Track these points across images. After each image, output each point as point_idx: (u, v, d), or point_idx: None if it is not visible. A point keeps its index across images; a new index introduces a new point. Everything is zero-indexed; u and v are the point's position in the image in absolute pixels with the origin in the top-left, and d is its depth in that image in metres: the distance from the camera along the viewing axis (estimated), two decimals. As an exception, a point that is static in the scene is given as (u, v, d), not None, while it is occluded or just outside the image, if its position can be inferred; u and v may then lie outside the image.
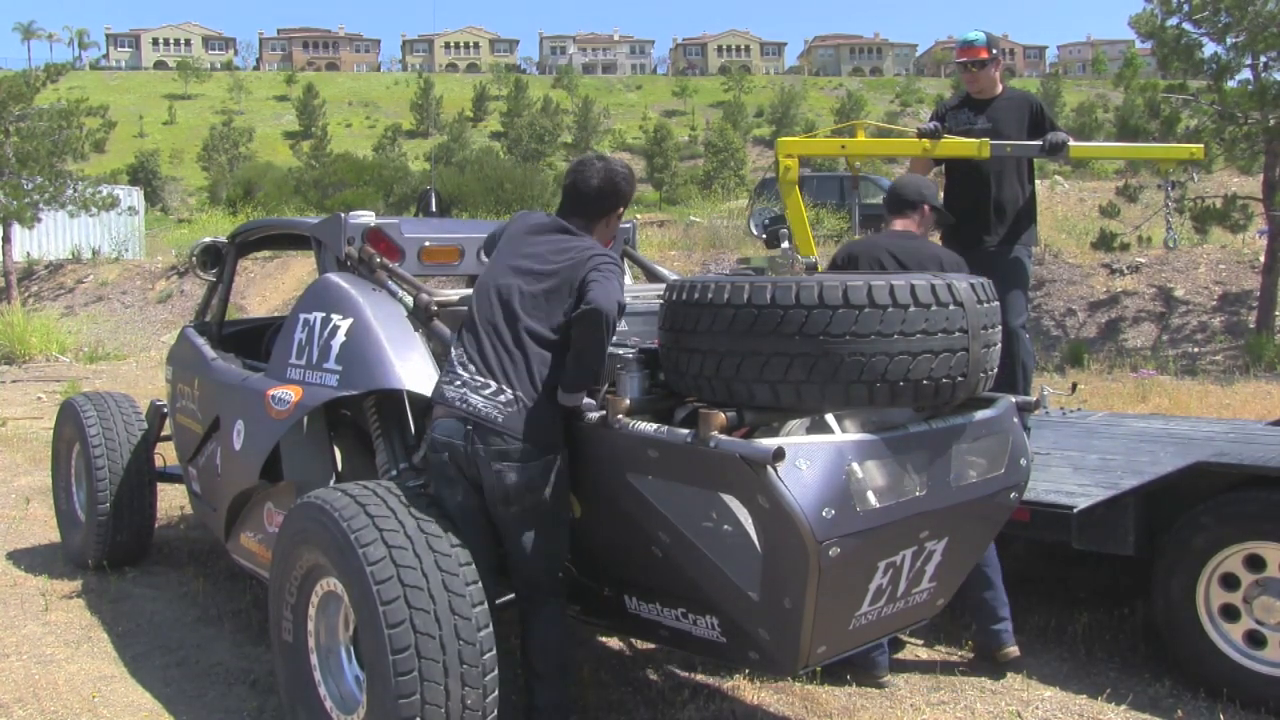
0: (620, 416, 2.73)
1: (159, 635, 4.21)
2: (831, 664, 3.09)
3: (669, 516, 2.68)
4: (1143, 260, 13.74)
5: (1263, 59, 12.16)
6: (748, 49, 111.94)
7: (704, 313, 2.62)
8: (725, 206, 22.64)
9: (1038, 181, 5.62)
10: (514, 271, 2.96)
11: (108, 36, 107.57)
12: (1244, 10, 11.71)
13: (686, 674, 3.74)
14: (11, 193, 18.78)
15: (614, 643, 4.04)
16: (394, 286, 3.50)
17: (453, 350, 3.00)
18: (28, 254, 21.53)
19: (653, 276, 4.58)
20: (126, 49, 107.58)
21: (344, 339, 3.35)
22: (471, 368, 2.88)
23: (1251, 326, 12.02)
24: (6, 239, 19.71)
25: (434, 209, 5.07)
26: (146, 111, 75.73)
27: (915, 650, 3.96)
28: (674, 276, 3.97)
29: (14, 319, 16.04)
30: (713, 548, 2.66)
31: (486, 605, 2.70)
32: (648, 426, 2.67)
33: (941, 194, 4.33)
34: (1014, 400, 3.10)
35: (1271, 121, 11.73)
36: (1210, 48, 12.46)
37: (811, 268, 5.08)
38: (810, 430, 3.09)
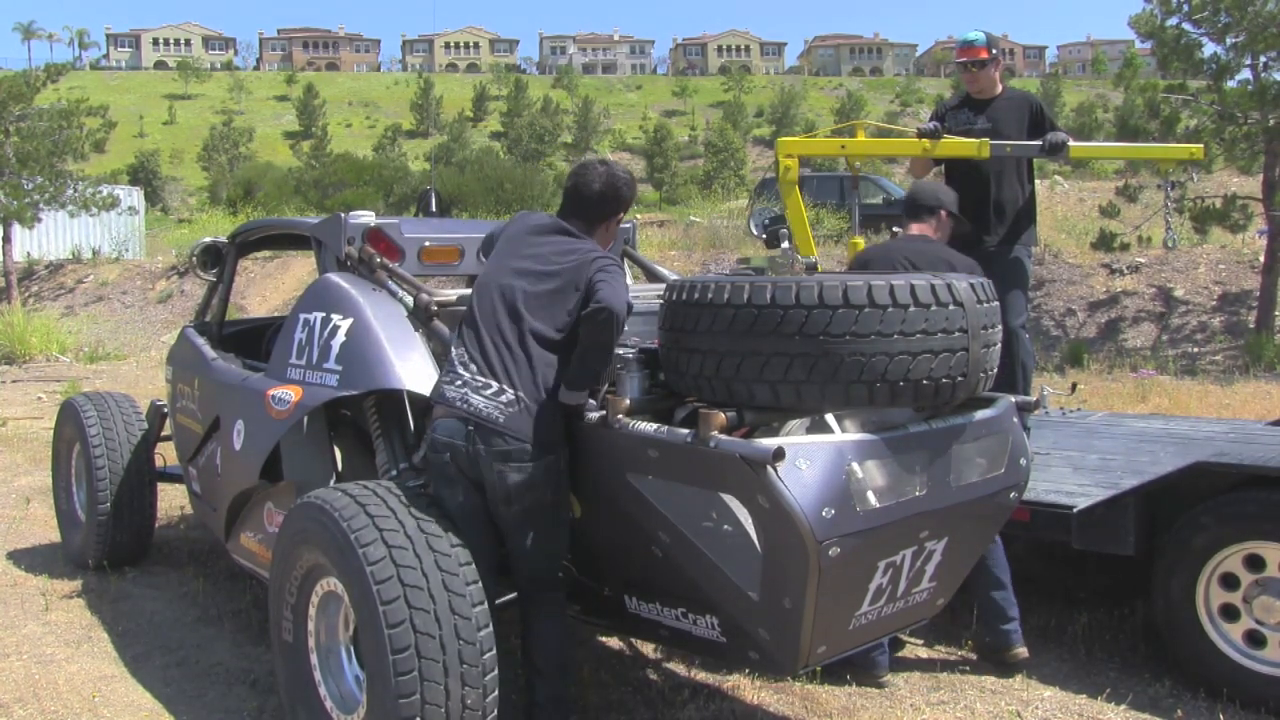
0: (620, 416, 2.73)
1: (159, 635, 4.21)
2: (831, 664, 3.09)
3: (669, 516, 2.68)
4: (1142, 260, 13.74)
5: (1262, 59, 12.17)
6: (748, 49, 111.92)
7: (704, 313, 2.62)
8: (725, 206, 22.65)
9: (1038, 181, 5.62)
10: (516, 272, 2.96)
11: (108, 36, 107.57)
12: (1244, 10, 11.71)
13: (686, 674, 3.74)
14: (11, 193, 18.80)
15: (614, 643, 4.04)
16: (394, 286, 3.50)
17: (453, 350, 3.00)
18: (28, 254, 21.54)
19: (653, 276, 4.58)
20: (126, 49, 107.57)
21: (344, 339, 3.35)
22: (473, 367, 2.88)
23: (1251, 326, 12.03)
24: (7, 239, 19.71)
25: (434, 209, 5.07)
26: (146, 111, 75.71)
27: (915, 650, 3.96)
28: (674, 276, 3.97)
29: (14, 319, 16.04)
30: (713, 548, 2.66)
31: (486, 605, 2.70)
32: (648, 426, 2.68)
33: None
34: (1014, 400, 3.10)
35: (1271, 121, 11.74)
36: (1210, 48, 12.49)
37: (811, 268, 5.09)
38: (810, 430, 3.10)
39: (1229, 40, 12.19)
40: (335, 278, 3.60)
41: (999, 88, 5.03)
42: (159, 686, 3.71)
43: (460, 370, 2.90)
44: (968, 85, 5.06)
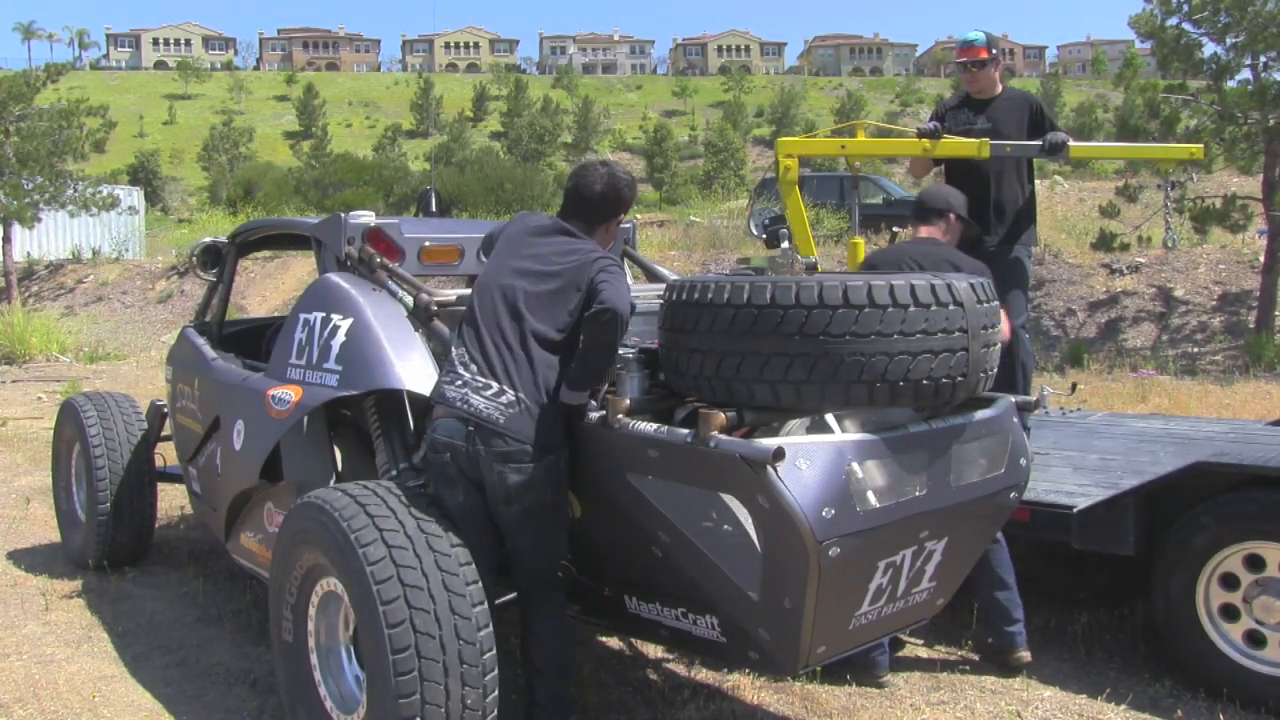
0: (620, 416, 2.73)
1: (159, 635, 4.21)
2: (831, 664, 3.09)
3: (669, 516, 2.68)
4: (1142, 260, 13.74)
5: (1262, 59, 12.17)
6: (748, 49, 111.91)
7: (704, 313, 2.62)
8: (725, 206, 22.67)
9: (1038, 181, 5.62)
10: (517, 272, 2.96)
11: (108, 36, 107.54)
12: (1244, 10, 11.71)
13: (686, 674, 3.74)
14: (11, 193, 18.80)
15: (614, 643, 4.04)
16: (394, 286, 3.50)
17: (453, 350, 3.00)
18: (28, 254, 21.55)
19: (653, 276, 4.58)
20: (126, 49, 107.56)
21: (344, 339, 3.35)
22: (474, 368, 2.88)
23: (1251, 326, 12.03)
24: (7, 239, 19.72)
25: (434, 209, 5.07)
26: (146, 111, 75.69)
27: (915, 650, 3.96)
28: (674, 276, 3.97)
29: (14, 319, 16.04)
30: (713, 548, 2.65)
31: (486, 605, 2.70)
32: (648, 426, 2.68)
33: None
34: (1014, 400, 3.11)
35: (1271, 121, 11.74)
36: (1210, 48, 12.49)
37: (811, 268, 5.09)
38: (810, 430, 3.10)
39: (1229, 40, 12.20)
40: (335, 278, 3.60)
41: (999, 88, 5.03)
42: (159, 686, 3.71)
43: (460, 370, 2.90)
44: (968, 85, 5.06)
